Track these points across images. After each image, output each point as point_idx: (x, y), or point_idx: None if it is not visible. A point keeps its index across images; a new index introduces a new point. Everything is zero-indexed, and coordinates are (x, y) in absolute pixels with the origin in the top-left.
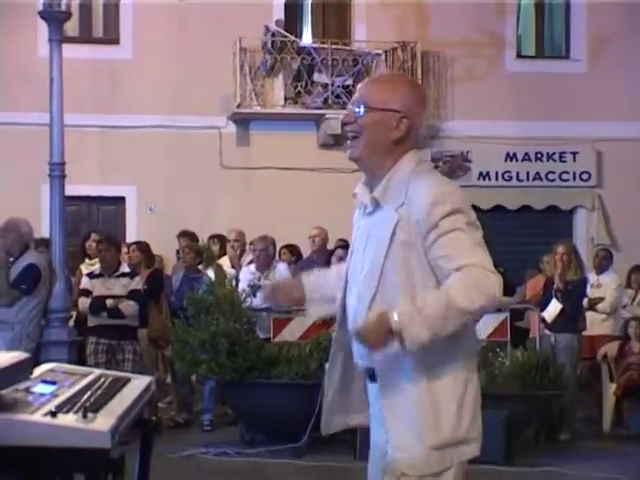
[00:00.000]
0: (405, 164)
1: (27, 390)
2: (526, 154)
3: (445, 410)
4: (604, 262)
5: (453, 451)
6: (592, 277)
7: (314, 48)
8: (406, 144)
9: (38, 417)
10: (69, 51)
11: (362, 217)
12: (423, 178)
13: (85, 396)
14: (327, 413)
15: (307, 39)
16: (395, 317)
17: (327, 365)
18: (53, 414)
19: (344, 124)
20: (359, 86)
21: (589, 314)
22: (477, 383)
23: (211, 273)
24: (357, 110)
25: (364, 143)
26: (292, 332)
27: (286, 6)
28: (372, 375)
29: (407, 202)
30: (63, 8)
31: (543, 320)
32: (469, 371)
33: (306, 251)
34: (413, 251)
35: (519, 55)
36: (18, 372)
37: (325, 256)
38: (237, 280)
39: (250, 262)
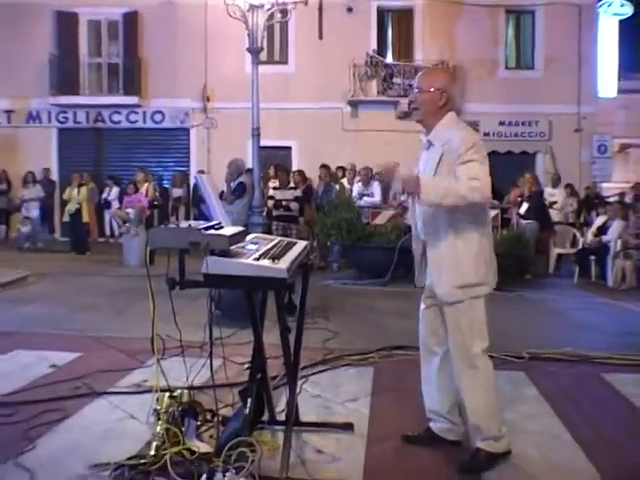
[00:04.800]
0: (446, 120)
1: (243, 247)
2: (509, 122)
3: (465, 262)
4: (556, 182)
5: (471, 290)
6: (550, 190)
7: (393, 64)
8: (446, 108)
9: (250, 260)
10: (261, 69)
11: (423, 151)
12: (457, 127)
13: (273, 250)
14: (416, 275)
15: (389, 59)
16: (422, 179)
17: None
18: (257, 259)
19: (410, 102)
20: (417, 77)
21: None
22: (489, 245)
23: (337, 187)
24: (416, 92)
25: (422, 111)
26: (381, 219)
27: (378, 42)
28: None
29: (447, 141)
30: (259, 45)
31: (518, 214)
32: (481, 236)
33: None
34: (450, 169)
35: (506, 67)
36: (238, 237)
37: None
38: (351, 191)
39: (358, 181)
